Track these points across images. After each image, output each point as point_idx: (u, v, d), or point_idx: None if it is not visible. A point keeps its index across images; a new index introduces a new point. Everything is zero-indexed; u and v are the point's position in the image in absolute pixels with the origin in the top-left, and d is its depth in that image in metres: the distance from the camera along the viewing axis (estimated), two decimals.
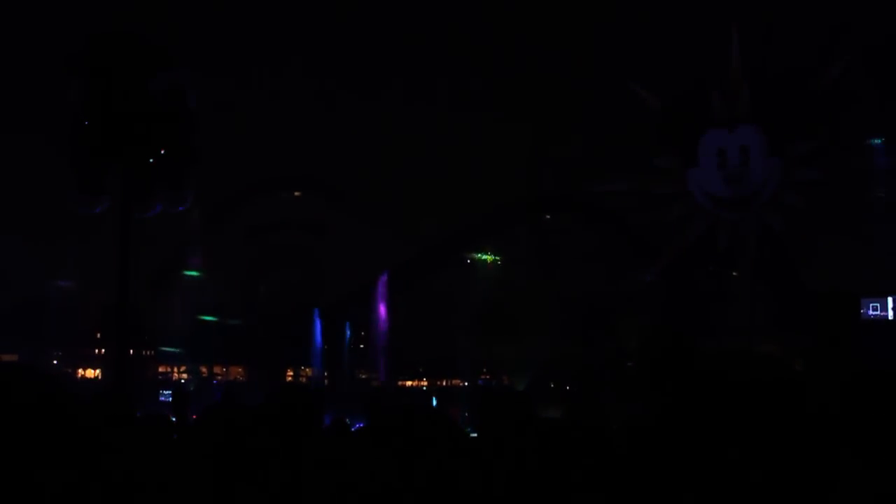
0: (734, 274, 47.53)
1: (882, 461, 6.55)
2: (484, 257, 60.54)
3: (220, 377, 65.03)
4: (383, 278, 62.17)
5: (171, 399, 21.95)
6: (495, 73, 60.59)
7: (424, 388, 66.36)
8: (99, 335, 63.01)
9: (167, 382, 60.24)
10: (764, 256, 45.44)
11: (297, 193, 67.15)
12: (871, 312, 44.88)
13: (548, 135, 52.77)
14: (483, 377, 64.47)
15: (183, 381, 63.45)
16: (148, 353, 63.49)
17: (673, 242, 47.27)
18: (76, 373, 63.65)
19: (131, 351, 54.54)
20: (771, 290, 46.10)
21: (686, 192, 46.12)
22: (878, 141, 42.61)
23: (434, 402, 51.24)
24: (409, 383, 66.15)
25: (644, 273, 48.45)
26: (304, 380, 65.08)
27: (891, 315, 44.72)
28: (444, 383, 65.50)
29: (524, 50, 56.72)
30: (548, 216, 54.83)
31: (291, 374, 65.05)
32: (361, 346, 67.52)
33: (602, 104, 48.82)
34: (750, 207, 44.35)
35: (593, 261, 51.54)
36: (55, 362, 58.66)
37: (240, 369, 65.56)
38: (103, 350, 61.92)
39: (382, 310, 62.55)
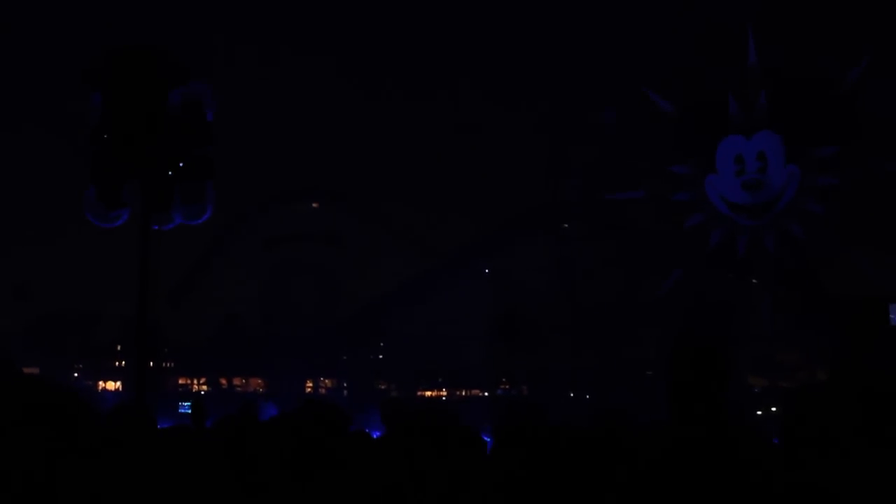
0: (754, 281, 47.25)
1: None
2: (502, 267, 60.45)
3: (239, 388, 65.19)
4: (402, 288, 62.19)
5: (189, 410, 22.04)
6: (511, 79, 60.53)
7: (444, 398, 66.25)
8: (119, 347, 63.30)
9: (187, 394, 60.37)
10: (784, 263, 45.17)
11: (314, 204, 67.34)
12: None
13: (565, 143, 52.65)
14: (503, 387, 64.35)
15: (203, 392, 63.66)
16: (168, 364, 63.72)
17: (692, 250, 47.09)
18: (96, 385, 63.93)
19: (151, 363, 54.71)
20: (792, 297, 45.80)
21: (704, 200, 45.93)
22: None
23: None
24: (428, 393, 66.04)
25: (663, 282, 48.24)
26: (323, 391, 65.16)
27: None
28: (463, 393, 65.40)
29: (536, 56, 56.60)
30: (566, 224, 54.67)
31: (311, 385, 65.11)
32: (381, 356, 67.53)
33: (618, 111, 48.66)
34: (769, 214, 44.12)
35: (612, 269, 51.35)
36: (76, 375, 58.98)
37: (259, 380, 65.67)
38: (123, 362, 62.18)
39: (401, 320, 62.53)
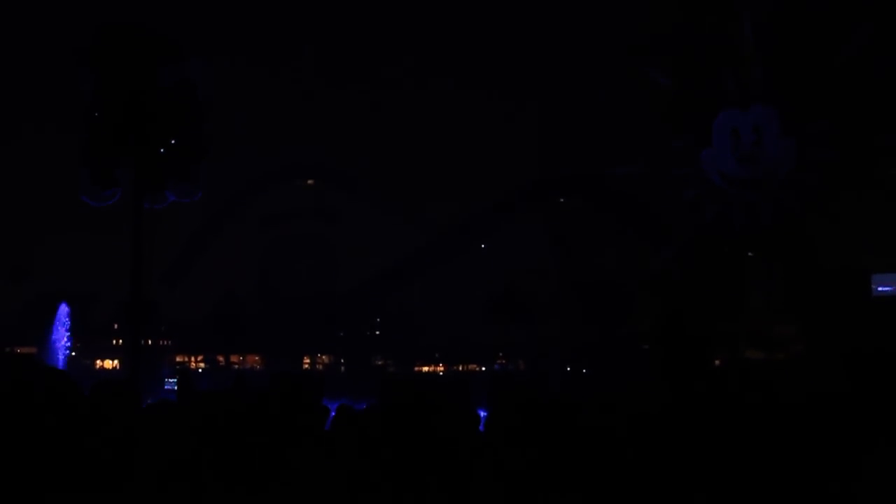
0: (750, 255, 47.23)
1: (886, 437, 6.49)
2: (499, 242, 60.48)
3: (236, 365, 65.37)
4: (397, 265, 62.27)
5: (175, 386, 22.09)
6: (504, 55, 60.32)
7: (441, 373, 66.43)
8: (116, 326, 63.41)
9: (185, 372, 60.48)
10: (779, 236, 45.14)
11: (310, 182, 67.25)
12: (881, 288, 44.59)
13: (559, 118, 52.50)
14: (499, 361, 64.53)
15: (200, 370, 63.82)
16: (165, 342, 63.84)
17: (688, 224, 47.03)
18: (94, 363, 64.09)
19: (149, 341, 54.83)
20: (787, 271, 45.83)
21: (700, 174, 45.82)
22: None
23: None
24: (425, 369, 66.22)
25: (659, 255, 48.24)
26: (320, 367, 65.31)
27: None
28: (460, 368, 65.55)
29: (532, 32, 56.42)
30: (561, 199, 54.62)
31: (308, 361, 65.27)
32: (378, 332, 67.65)
33: (614, 85, 48.48)
34: (765, 187, 44.04)
35: (608, 243, 51.35)
36: (73, 353, 59.05)
37: (256, 357, 65.83)
38: (121, 341, 62.30)
39: (397, 296, 62.63)
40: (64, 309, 49.94)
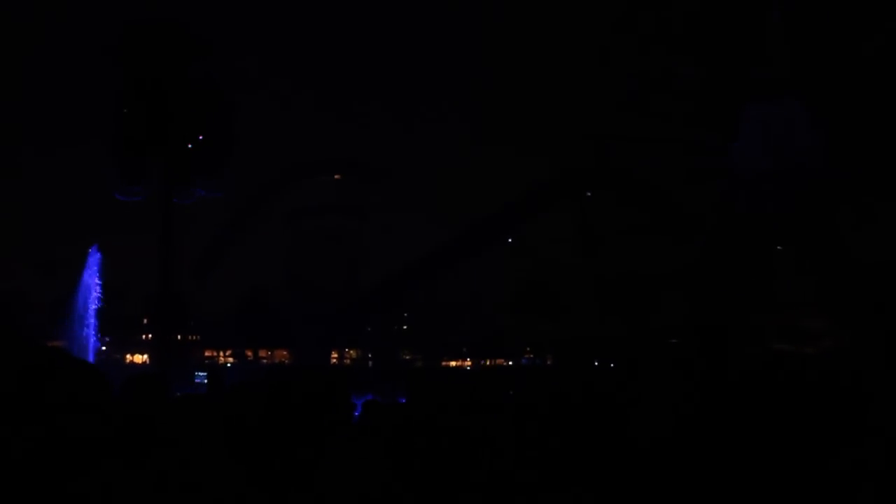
0: (779, 248, 46.89)
1: None
2: (525, 236, 60.34)
3: (265, 360, 65.62)
4: (425, 259, 62.21)
5: (206, 380, 22.24)
6: (525, 46, 60.19)
7: (468, 367, 66.43)
8: (145, 321, 63.76)
9: (213, 367, 60.84)
10: (809, 230, 44.79)
11: (336, 176, 67.37)
12: None
13: (586, 112, 52.23)
14: (527, 356, 64.42)
15: (229, 364, 64.14)
16: (193, 337, 64.13)
17: (716, 217, 46.76)
18: (124, 357, 64.49)
19: (177, 336, 55.20)
20: (817, 263, 45.44)
21: (729, 166, 45.55)
22: None
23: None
24: (453, 363, 66.21)
25: (686, 248, 47.96)
26: (348, 361, 65.45)
27: None
28: (487, 363, 65.51)
29: (556, 22, 56.21)
30: (589, 193, 54.41)
31: (336, 356, 65.42)
32: (405, 327, 67.67)
33: (641, 78, 48.18)
34: (794, 180, 43.70)
35: (636, 237, 51.11)
36: (104, 348, 59.44)
37: (284, 352, 66.03)
38: (150, 335, 62.63)
39: (425, 291, 62.60)
40: (96, 256, 47.71)
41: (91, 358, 45.70)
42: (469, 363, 66.31)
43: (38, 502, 7.72)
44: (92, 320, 48.74)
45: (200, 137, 32.14)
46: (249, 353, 65.87)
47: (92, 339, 48.89)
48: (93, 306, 48.05)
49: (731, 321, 39.32)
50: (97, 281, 46.63)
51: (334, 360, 64.63)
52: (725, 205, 46.74)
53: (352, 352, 66.37)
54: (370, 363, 64.78)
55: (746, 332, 40.96)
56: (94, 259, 47.55)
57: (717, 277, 44.99)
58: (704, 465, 6.71)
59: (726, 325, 37.98)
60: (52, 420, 8.46)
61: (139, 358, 65.47)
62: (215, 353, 67.13)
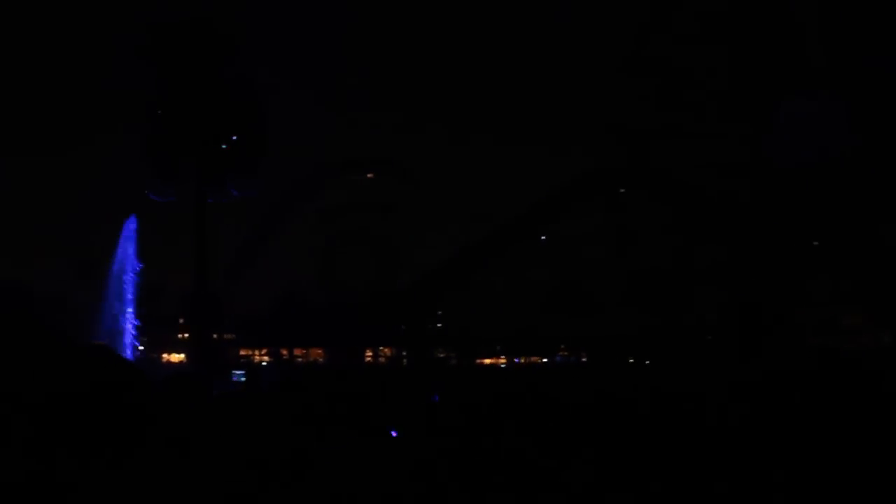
0: (815, 243, 46.41)
1: None
2: (559, 234, 60.12)
3: (300, 359, 65.91)
4: (458, 257, 62.19)
5: (244, 378, 22.41)
6: (562, 44, 59.97)
7: (503, 365, 66.33)
8: (181, 320, 64.22)
9: (249, 366, 61.22)
10: (846, 224, 44.31)
11: (369, 175, 67.53)
12: None
13: (619, 108, 51.93)
14: (561, 353, 64.23)
15: (264, 363, 64.49)
16: (229, 336, 64.51)
17: (750, 212, 46.38)
18: (160, 357, 64.99)
19: (214, 335, 55.62)
20: (854, 259, 44.93)
21: (762, 160, 45.17)
22: None
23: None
24: (487, 361, 66.15)
25: (720, 244, 47.60)
26: (382, 360, 65.58)
27: None
28: (521, 360, 65.39)
29: (587, 17, 56.00)
30: (622, 190, 54.14)
31: (370, 354, 65.57)
32: (439, 325, 67.68)
33: (671, 71, 47.84)
34: (828, 173, 43.25)
35: (669, 233, 50.79)
36: (141, 348, 60.02)
37: (319, 351, 66.27)
38: (186, 335, 63.09)
39: (459, 289, 62.59)
40: (132, 224, 45.25)
41: (129, 355, 46.08)
42: (504, 361, 66.19)
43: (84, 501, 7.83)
44: (130, 308, 48.77)
45: (234, 137, 32.33)
46: (285, 352, 66.17)
47: (129, 337, 49.37)
48: (130, 282, 47.12)
49: (771, 317, 39.00)
50: (133, 251, 45.15)
51: (369, 359, 64.78)
52: (758, 199, 46.36)
53: (386, 350, 66.49)
54: (404, 361, 64.85)
55: (787, 328, 40.63)
56: (130, 228, 45.70)
57: (753, 273, 44.62)
58: (765, 463, 6.67)
59: (767, 320, 37.70)
60: (97, 419, 8.57)
61: (175, 357, 65.97)
62: (250, 352, 67.51)
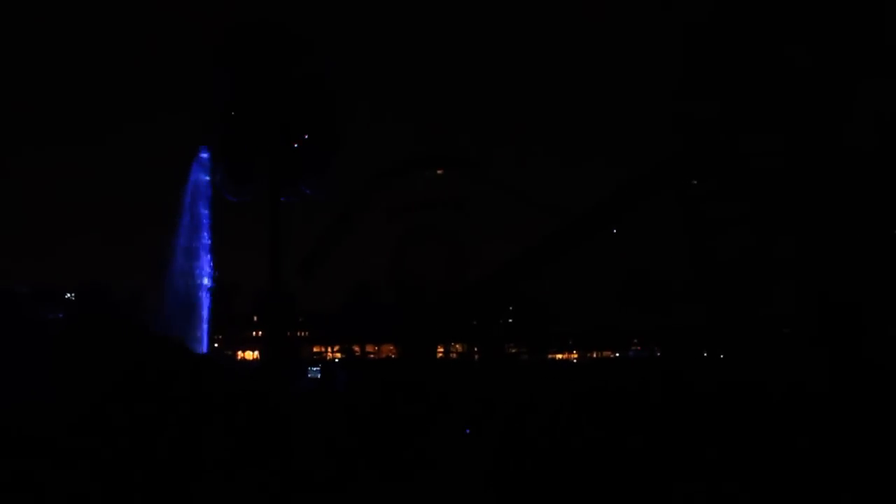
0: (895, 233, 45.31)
1: None
2: (630, 227, 59.58)
3: (372, 355, 66.44)
4: (529, 252, 61.99)
5: (319, 374, 22.65)
6: (634, 36, 59.48)
7: (574, 360, 66.07)
8: (255, 318, 65.12)
9: (322, 362, 61.87)
10: None
11: (439, 171, 67.65)
12: None
13: (690, 96, 51.15)
14: (634, 348, 63.79)
15: (336, 360, 65.11)
16: (302, 334, 65.31)
17: (824, 203, 45.39)
18: (235, 354, 66.01)
19: (287, 333, 56.31)
20: None
21: (838, 149, 44.17)
22: None
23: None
24: (559, 356, 65.97)
25: (797, 236, 46.70)
26: (454, 356, 65.79)
27: None
28: (594, 355, 65.10)
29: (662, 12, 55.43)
30: (694, 181, 53.37)
31: (442, 350, 65.81)
32: (510, 320, 67.63)
33: (744, 60, 47.01)
34: None
35: (743, 226, 49.97)
36: (216, 345, 60.96)
37: (391, 346, 66.73)
38: (260, 332, 63.94)
39: (530, 283, 62.41)
40: (204, 155, 40.16)
41: (205, 350, 46.76)
42: (576, 356, 65.93)
43: (179, 495, 8.04)
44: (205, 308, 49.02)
45: (306, 136, 32.69)
46: (357, 348, 66.77)
47: (205, 334, 50.17)
48: (205, 229, 43.93)
49: (865, 304, 38.20)
50: (207, 182, 40.20)
51: (440, 355, 65.03)
52: (835, 190, 45.37)
53: (457, 345, 66.68)
54: (476, 357, 64.95)
55: (884, 316, 39.91)
56: (203, 159, 40.74)
57: (835, 264, 43.64)
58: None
59: (861, 307, 36.91)
60: (185, 415, 8.77)
61: (250, 354, 66.94)
62: (323, 349, 68.23)
